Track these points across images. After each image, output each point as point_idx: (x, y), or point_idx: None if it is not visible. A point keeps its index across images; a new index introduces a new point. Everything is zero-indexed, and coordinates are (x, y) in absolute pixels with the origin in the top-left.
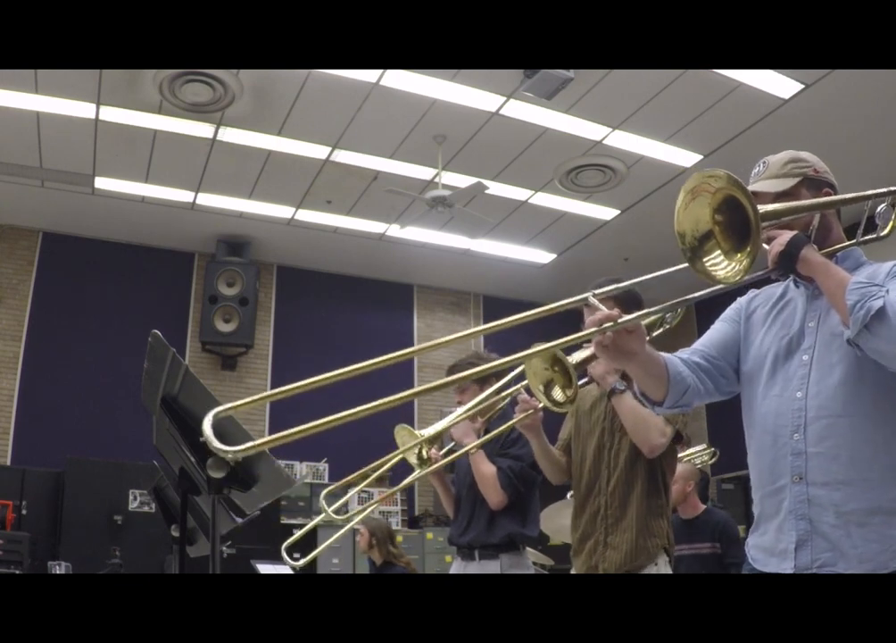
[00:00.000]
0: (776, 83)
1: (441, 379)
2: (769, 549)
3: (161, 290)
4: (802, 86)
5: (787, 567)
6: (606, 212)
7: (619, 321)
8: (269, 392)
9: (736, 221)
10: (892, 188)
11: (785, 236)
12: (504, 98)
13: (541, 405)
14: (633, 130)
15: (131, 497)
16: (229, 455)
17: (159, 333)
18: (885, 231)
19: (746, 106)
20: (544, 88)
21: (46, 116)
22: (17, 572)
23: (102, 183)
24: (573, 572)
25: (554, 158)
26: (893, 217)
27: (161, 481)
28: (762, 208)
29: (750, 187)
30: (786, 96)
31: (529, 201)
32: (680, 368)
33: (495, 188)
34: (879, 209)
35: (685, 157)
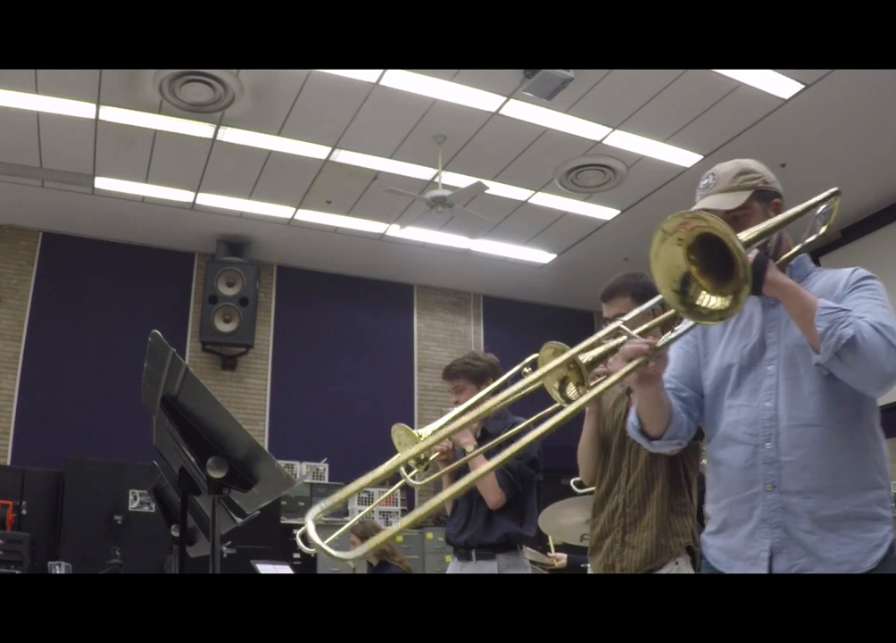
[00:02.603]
0: (776, 83)
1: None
2: (736, 553)
3: (161, 290)
4: (802, 86)
5: (758, 572)
6: (606, 212)
7: (660, 344)
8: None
9: (713, 257)
10: (833, 190)
11: (748, 258)
12: (504, 98)
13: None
14: (633, 130)
15: (131, 497)
16: (350, 563)
17: (159, 333)
18: (823, 230)
19: (746, 106)
20: (544, 88)
21: (46, 116)
22: (17, 571)
23: (102, 183)
24: (590, 570)
25: (554, 158)
26: (832, 215)
27: (161, 481)
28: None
29: (702, 203)
30: (786, 96)
31: (529, 201)
32: (675, 402)
33: (495, 188)
34: (819, 210)
35: (685, 157)
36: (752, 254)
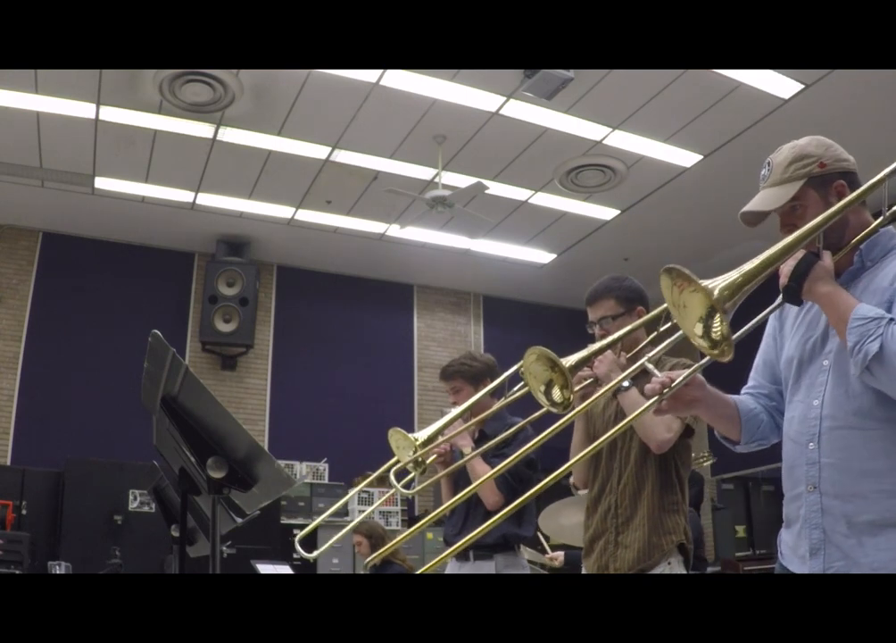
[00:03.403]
0: (776, 83)
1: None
2: (794, 549)
3: (161, 290)
4: (802, 86)
5: (805, 571)
6: (606, 212)
7: (674, 384)
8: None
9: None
10: None
11: (789, 264)
12: (504, 98)
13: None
14: (633, 130)
15: (131, 497)
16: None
17: (159, 333)
18: None
19: (746, 106)
20: (544, 88)
21: (46, 116)
22: (17, 571)
23: (102, 183)
24: (584, 572)
25: (554, 158)
26: None
27: (161, 481)
28: (715, 293)
29: (752, 203)
30: (786, 96)
31: (529, 201)
32: (751, 405)
33: (495, 188)
34: None
35: (685, 157)
36: (794, 261)
